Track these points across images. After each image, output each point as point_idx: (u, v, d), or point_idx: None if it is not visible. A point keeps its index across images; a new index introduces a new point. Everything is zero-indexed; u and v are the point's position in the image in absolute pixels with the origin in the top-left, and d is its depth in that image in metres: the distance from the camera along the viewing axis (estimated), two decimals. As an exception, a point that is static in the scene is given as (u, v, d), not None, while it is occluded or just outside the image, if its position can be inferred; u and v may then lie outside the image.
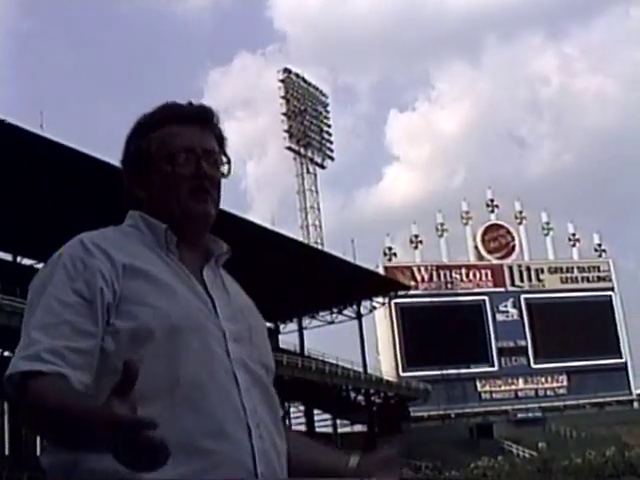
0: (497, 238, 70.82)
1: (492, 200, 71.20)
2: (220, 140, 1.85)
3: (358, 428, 58.20)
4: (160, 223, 1.75)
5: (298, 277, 45.40)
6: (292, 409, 53.82)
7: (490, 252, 69.95)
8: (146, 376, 1.44)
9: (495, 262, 69.65)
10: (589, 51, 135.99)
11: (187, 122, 1.79)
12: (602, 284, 72.10)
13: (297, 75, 67.56)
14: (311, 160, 66.85)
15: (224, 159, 1.83)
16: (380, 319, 64.31)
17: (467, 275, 68.91)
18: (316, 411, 55.44)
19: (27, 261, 42.60)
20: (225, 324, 1.69)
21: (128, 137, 1.83)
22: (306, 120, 66.38)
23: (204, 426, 1.56)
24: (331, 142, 68.57)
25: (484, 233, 70.24)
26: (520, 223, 71.38)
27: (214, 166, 1.79)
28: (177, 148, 1.76)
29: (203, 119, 1.82)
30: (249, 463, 1.59)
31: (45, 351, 1.52)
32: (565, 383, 68.12)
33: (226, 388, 1.61)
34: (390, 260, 67.03)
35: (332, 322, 59.15)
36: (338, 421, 59.35)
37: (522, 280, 70.21)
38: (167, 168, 1.75)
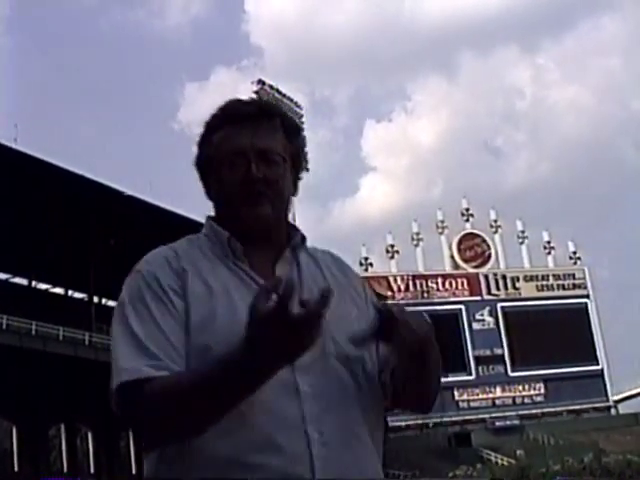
0: (473, 247, 71.09)
1: (467, 209, 71.50)
2: (290, 132, 1.77)
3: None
4: (223, 232, 1.70)
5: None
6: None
7: (466, 261, 70.18)
8: None
9: (471, 271, 69.89)
10: (562, 63, 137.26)
11: (241, 122, 1.71)
12: (578, 291, 72.49)
13: (271, 87, 67.57)
14: (286, 171, 66.82)
15: (294, 151, 1.76)
16: (357, 329, 64.13)
17: (443, 284, 69.07)
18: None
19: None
20: None
21: (197, 142, 1.78)
22: (281, 131, 66.35)
23: (254, 440, 1.50)
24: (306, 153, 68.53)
25: (460, 242, 70.47)
26: (495, 232, 71.68)
27: (271, 165, 1.70)
28: (227, 153, 1.69)
29: (258, 116, 1.72)
30: (305, 474, 1.51)
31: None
32: (542, 391, 68.34)
33: (278, 398, 1.52)
34: (366, 270, 67.05)
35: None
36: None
37: (498, 288, 70.47)
38: (219, 174, 1.70)
